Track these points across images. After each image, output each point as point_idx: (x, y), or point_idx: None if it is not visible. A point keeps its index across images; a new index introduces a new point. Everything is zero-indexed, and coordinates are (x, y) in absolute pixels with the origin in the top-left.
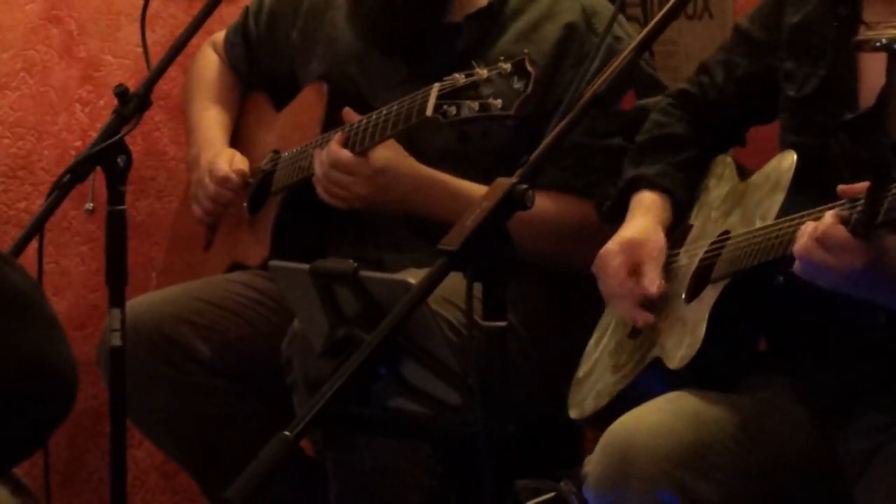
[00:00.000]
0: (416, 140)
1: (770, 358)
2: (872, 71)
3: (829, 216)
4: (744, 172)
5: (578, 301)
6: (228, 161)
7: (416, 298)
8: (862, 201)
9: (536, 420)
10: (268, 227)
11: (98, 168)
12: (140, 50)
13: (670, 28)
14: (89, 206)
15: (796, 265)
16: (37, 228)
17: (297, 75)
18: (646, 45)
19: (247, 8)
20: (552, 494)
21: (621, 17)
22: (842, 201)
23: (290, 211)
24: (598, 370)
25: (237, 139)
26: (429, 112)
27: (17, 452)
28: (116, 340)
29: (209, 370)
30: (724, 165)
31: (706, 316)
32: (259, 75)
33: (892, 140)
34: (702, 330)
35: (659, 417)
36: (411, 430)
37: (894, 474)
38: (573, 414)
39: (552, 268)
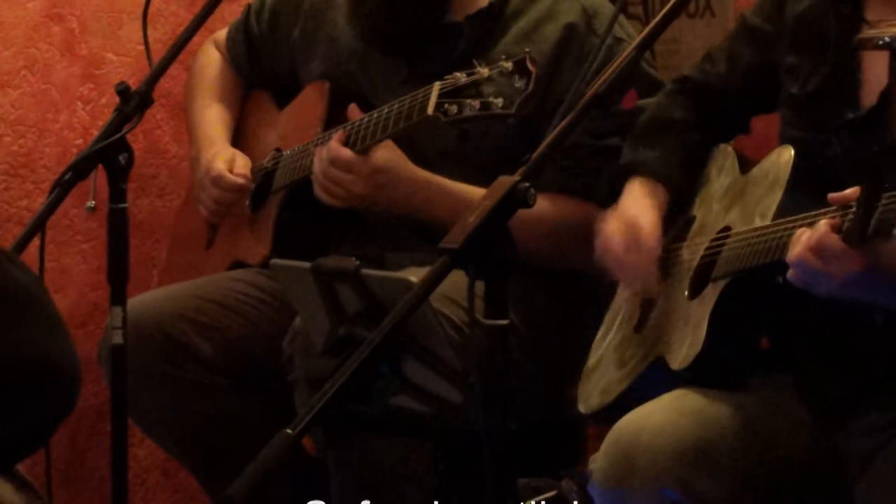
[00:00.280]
0: (416, 140)
1: (772, 356)
2: (874, 70)
3: (821, 225)
4: (745, 163)
5: (579, 300)
6: (227, 161)
7: (418, 297)
8: (853, 209)
9: (537, 418)
10: (269, 226)
11: (99, 166)
12: (141, 48)
13: (672, 27)
14: (91, 204)
15: (790, 273)
16: (38, 226)
17: (299, 74)
18: (647, 43)
19: (248, 6)
20: (553, 493)
21: (622, 18)
22: (833, 207)
23: (290, 209)
24: (604, 364)
25: (239, 138)
26: (430, 110)
27: (20, 449)
28: (118, 338)
29: (210, 368)
30: (726, 156)
31: (706, 316)
32: (261, 74)
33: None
34: (702, 331)
35: (664, 416)
36: (413, 429)
37: (895, 474)
38: (581, 408)
39: (553, 268)
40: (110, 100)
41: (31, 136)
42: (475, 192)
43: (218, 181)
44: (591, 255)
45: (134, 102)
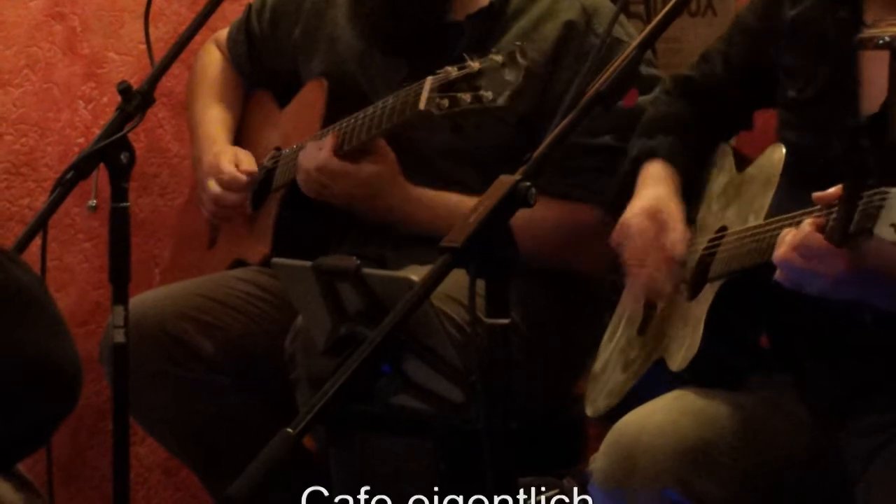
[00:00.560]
0: (415, 139)
1: (772, 356)
2: (874, 72)
3: (805, 224)
4: (742, 161)
5: (580, 300)
6: (232, 160)
7: (419, 295)
8: (836, 209)
9: (539, 418)
10: (269, 225)
11: (101, 165)
12: (143, 47)
13: (673, 25)
14: (92, 202)
15: (778, 273)
16: (40, 225)
17: (300, 73)
18: (649, 42)
19: (249, 6)
20: (555, 492)
21: (622, 18)
22: (818, 207)
23: (290, 208)
24: (610, 367)
25: (241, 137)
26: (422, 105)
27: (21, 448)
28: (119, 337)
29: (212, 367)
30: (724, 155)
31: (703, 318)
32: (262, 73)
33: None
34: (699, 333)
35: (664, 416)
36: (414, 428)
37: (895, 474)
38: (588, 412)
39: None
40: (112, 99)
41: (32, 135)
42: (462, 203)
43: (232, 184)
44: (585, 257)
45: (136, 101)
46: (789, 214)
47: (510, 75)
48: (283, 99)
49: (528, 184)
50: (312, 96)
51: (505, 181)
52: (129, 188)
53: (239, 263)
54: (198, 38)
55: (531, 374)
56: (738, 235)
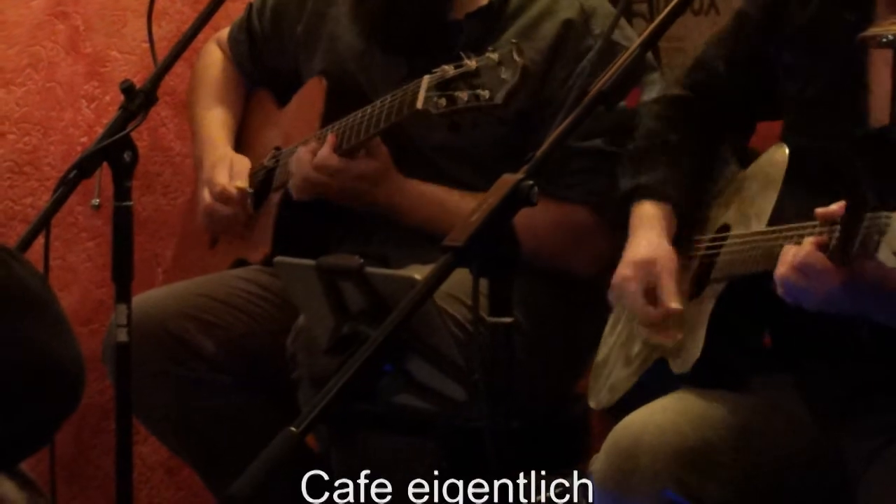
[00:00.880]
0: (413, 137)
1: (773, 357)
2: (883, 78)
3: (807, 243)
4: (745, 156)
5: (582, 299)
6: (227, 172)
7: (422, 294)
8: (838, 227)
9: (541, 416)
10: (269, 224)
11: (104, 164)
12: (146, 45)
13: (676, 24)
14: (95, 201)
15: (779, 290)
16: (43, 224)
17: (301, 72)
18: (651, 41)
19: (250, 5)
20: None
21: (622, 21)
22: (815, 223)
23: (290, 207)
24: (612, 359)
25: (242, 137)
26: (419, 104)
27: (24, 447)
28: (122, 336)
29: (214, 366)
30: (727, 149)
31: (705, 321)
32: (264, 72)
33: None
34: (700, 338)
35: (665, 417)
36: (416, 426)
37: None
38: (591, 404)
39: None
40: (115, 97)
41: (35, 134)
42: (461, 200)
43: (222, 196)
44: (582, 258)
45: (138, 100)
46: (791, 226)
47: (506, 73)
48: (285, 97)
49: (530, 182)
50: (312, 95)
51: (507, 180)
52: (132, 187)
53: (240, 263)
54: (200, 36)
55: (533, 373)
56: (742, 240)
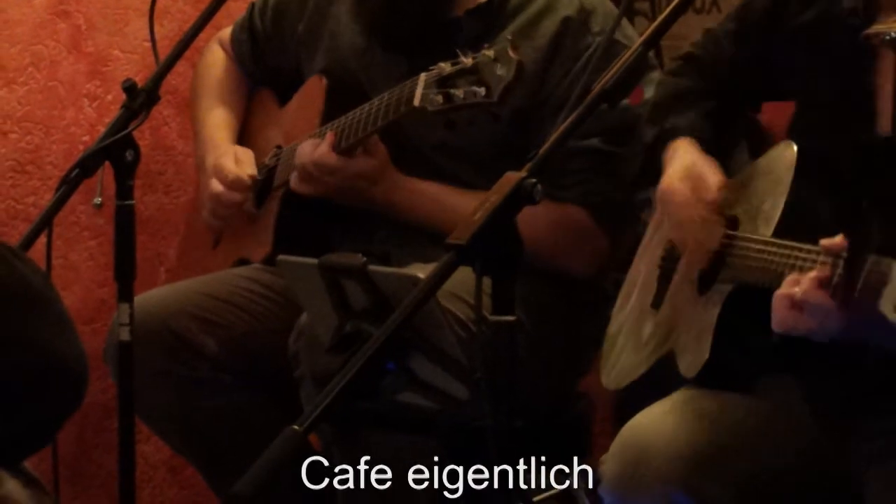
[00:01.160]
0: (409, 134)
1: (779, 359)
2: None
3: (807, 280)
4: (758, 139)
5: (585, 297)
6: (234, 161)
7: (425, 293)
8: (842, 262)
9: (544, 415)
10: (270, 223)
11: (106, 163)
12: (148, 44)
13: (679, 23)
14: (97, 200)
15: (773, 322)
16: (45, 223)
17: (303, 70)
18: (654, 39)
19: (252, 5)
20: (561, 490)
21: (623, 21)
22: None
23: (292, 206)
24: (622, 338)
25: (244, 136)
26: (416, 102)
27: (27, 446)
28: (124, 335)
29: (216, 365)
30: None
31: (713, 325)
32: (266, 71)
33: None
34: (708, 340)
35: (674, 419)
36: (419, 425)
37: None
38: (603, 381)
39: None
40: (117, 96)
41: (37, 133)
42: (459, 198)
43: (235, 184)
44: (579, 259)
45: (140, 99)
46: (798, 246)
47: (502, 69)
48: (287, 96)
49: (533, 180)
50: (312, 94)
51: (510, 178)
52: (134, 186)
53: (242, 262)
54: (202, 35)
55: (536, 372)
56: (749, 243)
